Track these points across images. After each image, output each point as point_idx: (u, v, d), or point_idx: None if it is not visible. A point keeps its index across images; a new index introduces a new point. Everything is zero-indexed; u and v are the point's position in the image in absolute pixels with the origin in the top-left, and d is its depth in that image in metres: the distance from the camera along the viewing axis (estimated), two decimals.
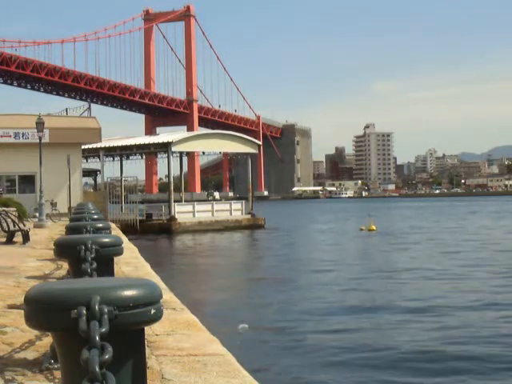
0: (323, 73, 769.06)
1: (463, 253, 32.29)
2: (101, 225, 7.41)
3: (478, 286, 21.53)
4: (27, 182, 36.27)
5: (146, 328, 2.60)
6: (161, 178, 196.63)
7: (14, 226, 16.83)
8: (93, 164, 64.30)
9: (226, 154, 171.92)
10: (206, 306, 18.36)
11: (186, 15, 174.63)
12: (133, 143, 55.68)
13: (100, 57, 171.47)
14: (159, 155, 76.06)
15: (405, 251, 34.19)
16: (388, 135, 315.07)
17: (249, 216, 54.97)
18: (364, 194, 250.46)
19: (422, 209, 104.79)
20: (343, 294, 20.41)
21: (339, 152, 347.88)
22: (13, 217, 17.93)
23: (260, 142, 65.60)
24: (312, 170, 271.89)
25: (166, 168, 54.89)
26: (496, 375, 11.43)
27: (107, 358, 2.15)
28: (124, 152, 57.03)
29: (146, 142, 55.77)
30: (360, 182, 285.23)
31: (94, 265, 4.27)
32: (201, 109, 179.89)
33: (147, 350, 4.16)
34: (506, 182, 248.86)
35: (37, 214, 27.52)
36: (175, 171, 67.28)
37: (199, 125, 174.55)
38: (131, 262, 10.87)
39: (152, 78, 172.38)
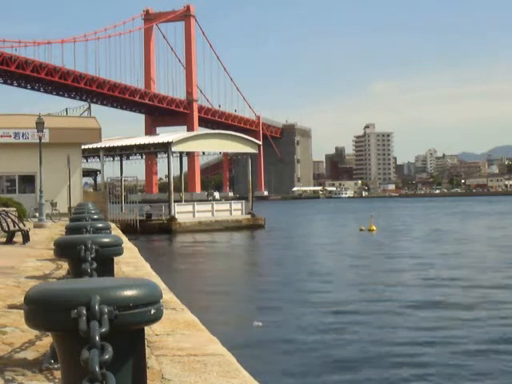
0: (323, 73, 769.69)
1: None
2: (101, 225, 7.39)
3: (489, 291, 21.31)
4: (27, 181, 36.25)
5: (146, 328, 2.60)
6: (161, 178, 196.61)
7: (14, 226, 16.81)
8: (93, 164, 64.39)
9: (226, 154, 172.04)
10: (206, 305, 18.33)
11: (186, 15, 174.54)
12: (133, 143, 55.70)
13: (100, 57, 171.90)
14: (159, 155, 76.03)
15: (401, 253, 34.19)
16: (388, 135, 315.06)
17: (249, 216, 54.96)
18: (364, 194, 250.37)
19: (423, 209, 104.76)
20: (342, 295, 20.41)
21: (339, 152, 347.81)
22: (13, 217, 17.92)
23: (260, 142, 65.60)
24: (312, 170, 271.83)
25: (166, 168, 54.97)
26: None
27: (107, 358, 2.15)
28: (124, 152, 57.04)
29: (146, 142, 55.78)
30: (360, 181, 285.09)
31: (94, 265, 4.26)
32: (201, 109, 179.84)
33: (147, 350, 4.16)
34: (506, 182, 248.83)
35: (37, 214, 27.52)
36: (175, 171, 67.30)
37: (199, 125, 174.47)
38: (131, 262, 10.85)
39: (152, 78, 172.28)
